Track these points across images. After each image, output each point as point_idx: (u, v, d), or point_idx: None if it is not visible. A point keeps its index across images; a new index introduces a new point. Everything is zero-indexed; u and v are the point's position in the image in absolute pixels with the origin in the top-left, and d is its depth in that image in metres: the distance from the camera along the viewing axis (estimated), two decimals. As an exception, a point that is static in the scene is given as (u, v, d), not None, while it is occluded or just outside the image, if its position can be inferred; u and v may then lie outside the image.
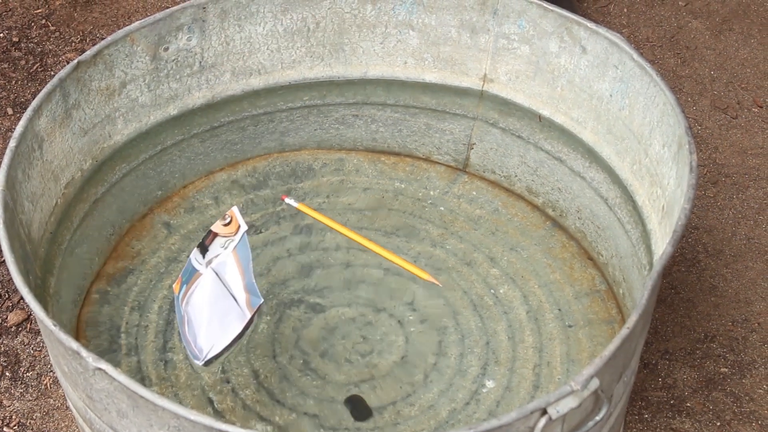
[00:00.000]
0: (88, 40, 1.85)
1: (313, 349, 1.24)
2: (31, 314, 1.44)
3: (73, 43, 1.85)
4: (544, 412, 0.87)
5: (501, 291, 1.30)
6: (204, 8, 1.28)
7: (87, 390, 0.98)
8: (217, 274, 1.13)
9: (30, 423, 1.33)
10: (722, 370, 1.39)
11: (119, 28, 1.60)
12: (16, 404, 1.34)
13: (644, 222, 1.21)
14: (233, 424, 0.92)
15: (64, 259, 1.23)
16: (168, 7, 1.34)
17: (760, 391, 1.37)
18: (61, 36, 1.86)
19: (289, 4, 1.32)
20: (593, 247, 1.34)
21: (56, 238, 1.21)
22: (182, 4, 1.27)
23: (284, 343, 1.24)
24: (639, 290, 1.21)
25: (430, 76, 1.38)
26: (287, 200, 1.38)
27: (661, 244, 1.13)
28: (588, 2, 1.95)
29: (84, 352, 0.90)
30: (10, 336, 1.41)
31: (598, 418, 0.94)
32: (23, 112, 1.15)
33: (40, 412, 1.34)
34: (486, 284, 1.30)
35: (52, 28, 1.87)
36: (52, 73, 1.78)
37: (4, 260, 1.43)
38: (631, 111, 1.23)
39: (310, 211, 1.37)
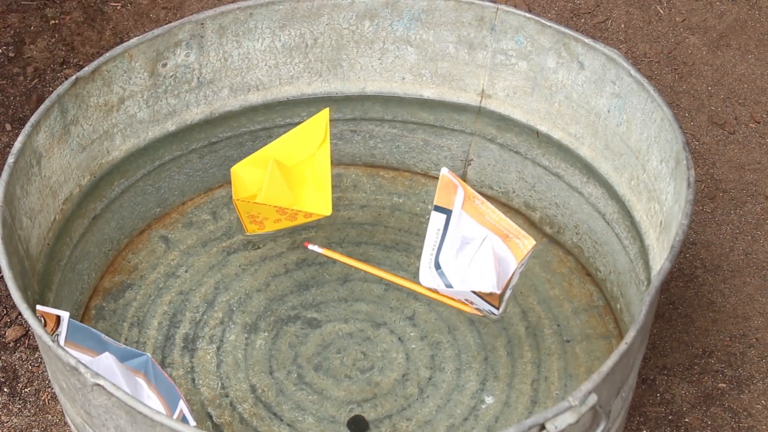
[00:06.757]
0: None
1: (308, 363, 1.24)
2: (29, 330, 1.44)
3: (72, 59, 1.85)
4: (542, 427, 0.87)
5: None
6: (202, 24, 1.28)
7: (85, 406, 0.98)
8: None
9: (28, 439, 1.33)
10: (720, 385, 1.39)
11: (117, 44, 1.60)
12: (14, 420, 1.34)
13: (642, 237, 1.21)
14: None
15: (63, 275, 1.23)
16: (166, 23, 1.34)
17: (758, 406, 1.37)
18: (60, 52, 1.86)
19: (287, 21, 1.33)
20: (591, 263, 1.34)
21: (55, 253, 1.21)
22: (180, 20, 1.27)
23: (281, 360, 1.24)
24: (637, 306, 1.21)
25: (428, 92, 1.39)
26: (311, 247, 1.34)
27: (659, 259, 1.13)
28: (585, 18, 1.96)
29: (82, 368, 0.90)
30: (8, 352, 1.41)
31: (596, 433, 0.94)
32: (21, 128, 1.15)
33: (38, 428, 1.33)
34: (484, 300, 1.30)
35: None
36: (51, 88, 1.78)
37: (2, 276, 1.43)
38: (629, 126, 1.23)
39: (336, 255, 1.34)
